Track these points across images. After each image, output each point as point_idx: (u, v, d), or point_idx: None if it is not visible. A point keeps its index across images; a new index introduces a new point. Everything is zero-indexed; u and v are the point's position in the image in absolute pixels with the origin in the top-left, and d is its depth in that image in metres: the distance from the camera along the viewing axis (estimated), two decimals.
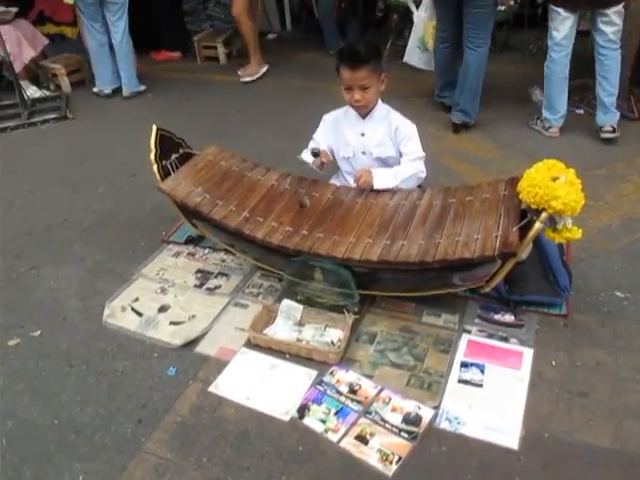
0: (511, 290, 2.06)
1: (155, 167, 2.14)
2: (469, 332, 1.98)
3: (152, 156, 2.13)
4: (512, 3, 4.50)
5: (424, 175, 2.28)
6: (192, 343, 2.01)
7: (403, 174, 2.21)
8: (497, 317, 2.03)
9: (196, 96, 4.42)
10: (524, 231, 1.66)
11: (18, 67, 4.27)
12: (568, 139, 3.33)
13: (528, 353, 1.87)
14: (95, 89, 4.49)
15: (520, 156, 3.15)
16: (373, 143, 2.27)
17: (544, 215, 1.61)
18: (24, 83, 4.34)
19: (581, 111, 3.66)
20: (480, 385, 1.77)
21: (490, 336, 1.96)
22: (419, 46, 4.00)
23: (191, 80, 4.72)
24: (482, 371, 1.82)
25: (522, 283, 2.08)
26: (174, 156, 2.21)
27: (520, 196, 1.69)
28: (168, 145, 2.21)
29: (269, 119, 3.91)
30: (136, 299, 2.25)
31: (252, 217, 2.04)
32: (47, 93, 4.47)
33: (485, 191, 1.92)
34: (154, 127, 2.19)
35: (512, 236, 1.64)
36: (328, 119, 2.38)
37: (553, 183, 1.58)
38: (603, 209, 2.62)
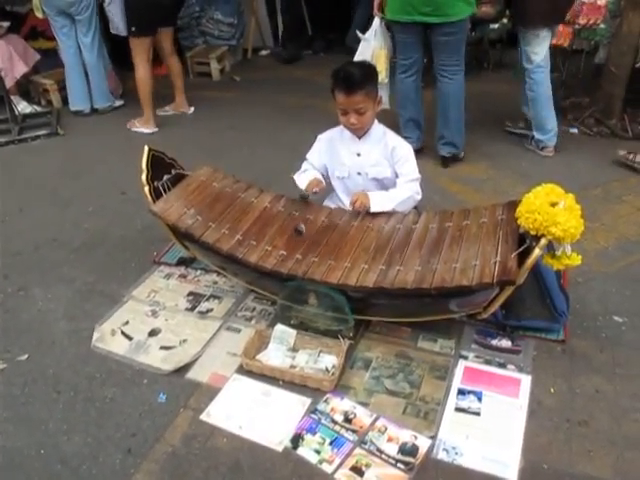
0: (508, 315, 2.04)
1: (147, 189, 2.10)
2: (466, 358, 1.95)
3: (143, 177, 2.10)
4: (505, 21, 4.53)
5: (420, 197, 2.26)
6: (183, 369, 1.96)
7: (399, 197, 2.18)
8: (494, 342, 2.00)
9: (196, 116, 4.39)
10: (523, 257, 1.63)
11: (9, 82, 4.25)
12: (563, 159, 3.33)
13: (526, 380, 1.84)
14: (72, 109, 4.41)
15: (514, 176, 3.14)
16: (369, 163, 2.25)
17: (543, 241, 1.59)
18: (15, 98, 4.32)
19: (575, 130, 3.67)
20: (478, 414, 1.74)
21: (487, 362, 1.92)
22: None
23: (188, 98, 4.69)
24: (479, 399, 1.78)
25: (519, 308, 2.05)
26: (166, 177, 2.18)
27: (518, 221, 1.67)
28: (160, 166, 2.18)
29: (263, 136, 3.90)
30: (126, 322, 2.20)
31: (245, 240, 2.01)
32: (38, 109, 4.44)
33: (482, 215, 1.90)
34: (145, 148, 2.16)
35: (511, 262, 1.62)
36: (323, 138, 2.36)
37: (552, 209, 1.57)
38: (599, 230, 2.61)
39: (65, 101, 4.56)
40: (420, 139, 3.36)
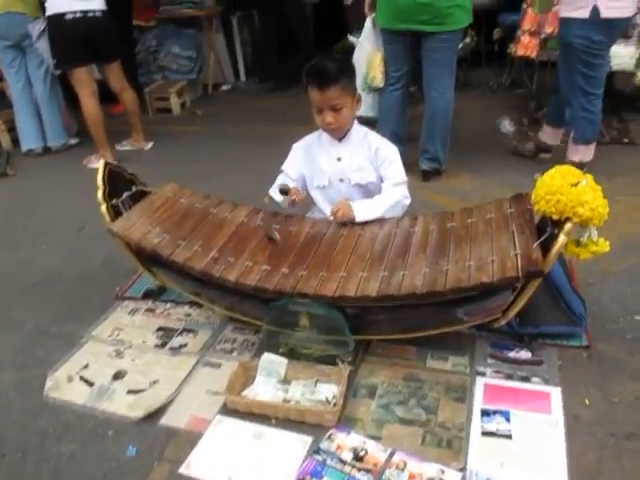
0: (523, 323, 1.82)
1: (104, 207, 1.84)
2: (483, 375, 1.70)
3: (100, 194, 1.84)
4: (468, 40, 4.51)
5: (409, 201, 2.05)
6: (156, 414, 1.65)
7: (386, 202, 1.97)
8: (512, 355, 1.77)
9: (151, 147, 4.16)
10: (545, 247, 1.42)
11: None
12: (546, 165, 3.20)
13: (556, 393, 1.60)
14: (23, 149, 4.13)
15: (502, 186, 2.98)
16: (352, 168, 2.04)
17: (568, 225, 1.39)
18: None
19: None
20: (509, 436, 1.48)
21: (509, 377, 1.68)
22: (363, 88, 3.03)
23: (145, 131, 4.45)
24: (507, 419, 1.53)
25: (534, 314, 1.84)
26: (126, 194, 1.92)
27: (536, 207, 1.47)
28: (119, 182, 1.92)
29: (232, 165, 3.67)
30: (86, 366, 1.88)
31: (222, 257, 1.75)
32: None
33: (487, 211, 1.70)
34: (101, 161, 1.90)
35: (535, 253, 1.41)
36: (299, 146, 2.14)
37: (575, 188, 1.37)
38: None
39: (16, 143, 4.27)
40: (402, 153, 3.17)
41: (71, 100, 4.37)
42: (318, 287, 1.59)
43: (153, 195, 2.02)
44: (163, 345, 1.97)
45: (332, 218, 1.95)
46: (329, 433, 1.54)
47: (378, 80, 3.02)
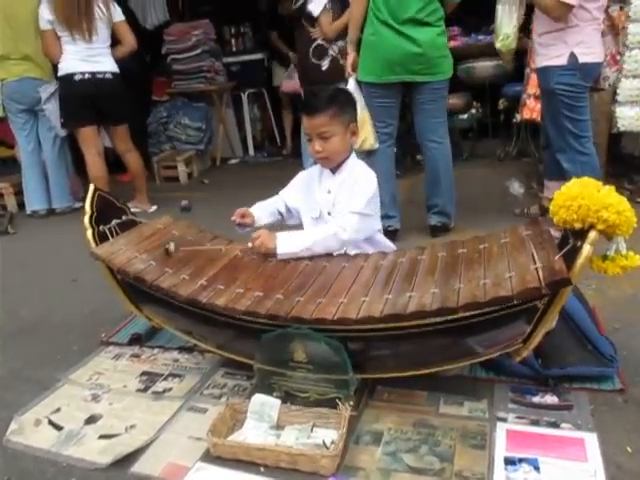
0: (547, 365, 1.62)
1: (89, 232, 1.72)
2: (505, 420, 1.49)
3: (86, 219, 1.73)
4: (474, 111, 4.57)
5: (347, 237, 1.78)
6: (128, 461, 1.44)
7: (316, 235, 1.80)
8: (536, 400, 1.56)
9: (154, 210, 4.10)
10: (568, 263, 1.27)
11: None
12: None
13: (591, 439, 1.38)
14: (28, 210, 4.12)
15: None
16: (337, 201, 1.91)
17: (593, 234, 1.24)
18: None
19: None
20: None
21: (534, 423, 1.46)
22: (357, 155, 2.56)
23: (153, 199, 4.41)
24: (536, 468, 1.30)
25: (558, 355, 1.65)
26: (115, 222, 1.81)
27: (555, 219, 1.33)
28: (109, 210, 1.82)
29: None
30: (57, 410, 1.69)
31: (211, 285, 1.60)
32: None
33: (502, 237, 1.56)
34: (91, 186, 1.81)
35: (558, 264, 1.25)
36: (303, 174, 2.05)
37: (598, 192, 1.25)
38: (622, 280, 2.25)
39: (21, 206, 4.26)
40: (399, 217, 3.07)
41: (80, 166, 4.42)
42: (316, 311, 1.43)
43: (144, 225, 1.91)
44: (145, 389, 1.77)
45: (250, 246, 1.82)
46: None
47: (371, 140, 2.84)
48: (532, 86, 3.67)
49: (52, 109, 3.76)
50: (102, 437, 1.54)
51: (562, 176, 3.03)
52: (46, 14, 3.53)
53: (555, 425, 1.45)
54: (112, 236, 1.77)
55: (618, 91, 3.45)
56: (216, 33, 5.46)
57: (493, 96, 4.60)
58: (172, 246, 1.72)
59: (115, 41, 3.75)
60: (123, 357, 1.99)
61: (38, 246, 3.47)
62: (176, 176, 4.97)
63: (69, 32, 3.52)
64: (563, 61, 2.60)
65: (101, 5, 3.55)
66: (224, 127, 5.64)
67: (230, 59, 5.70)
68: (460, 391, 1.62)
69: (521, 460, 1.33)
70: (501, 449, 1.38)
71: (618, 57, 3.19)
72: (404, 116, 3.45)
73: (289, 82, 5.14)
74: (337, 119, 1.84)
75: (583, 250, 1.23)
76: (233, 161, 5.84)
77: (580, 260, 1.23)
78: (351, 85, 2.87)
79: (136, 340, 2.06)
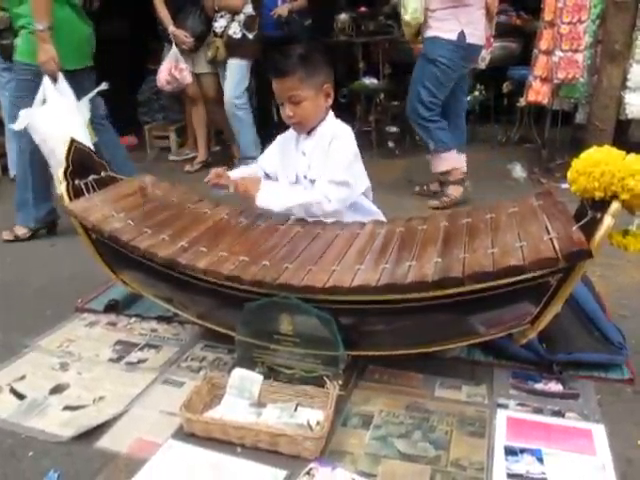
0: (552, 350, 1.50)
1: (64, 186, 1.58)
2: (505, 407, 1.37)
3: (61, 172, 1.58)
4: (477, 94, 4.42)
5: (331, 208, 1.68)
6: (93, 434, 1.31)
7: (299, 198, 1.70)
8: (539, 387, 1.44)
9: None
10: (588, 234, 1.14)
11: None
12: None
13: (599, 431, 1.27)
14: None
15: None
16: (314, 164, 1.77)
17: (616, 205, 1.11)
18: None
19: (566, 185, 3.35)
20: None
21: (537, 411, 1.35)
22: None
23: (142, 169, 4.24)
24: (540, 459, 1.19)
25: (564, 340, 1.54)
26: (92, 177, 1.66)
27: (573, 188, 1.21)
28: (87, 164, 1.68)
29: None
30: (22, 377, 1.56)
31: (192, 247, 1.47)
32: None
33: (510, 206, 1.44)
34: (69, 138, 1.66)
35: (576, 234, 1.13)
36: (279, 139, 1.91)
37: (624, 160, 1.12)
38: (629, 267, 2.16)
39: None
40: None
41: None
42: (305, 279, 1.30)
43: (124, 182, 1.76)
44: (119, 359, 1.65)
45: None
46: (309, 467, 1.20)
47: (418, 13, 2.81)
48: (539, 68, 3.53)
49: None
50: (67, 408, 1.42)
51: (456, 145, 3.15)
52: None
53: (560, 414, 1.34)
54: (88, 192, 1.63)
55: (629, 76, 3.34)
56: None
57: (497, 80, 4.46)
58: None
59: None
60: (98, 325, 1.86)
61: None
62: (168, 146, 4.81)
63: None
64: (453, 37, 2.75)
65: None
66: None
67: None
68: (458, 374, 1.51)
69: (523, 450, 1.22)
70: (501, 438, 1.26)
71: (492, 40, 3.55)
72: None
73: None
74: (308, 81, 1.68)
75: (604, 221, 1.11)
76: None
77: (600, 232, 1.11)
78: None
79: (112, 307, 1.92)
